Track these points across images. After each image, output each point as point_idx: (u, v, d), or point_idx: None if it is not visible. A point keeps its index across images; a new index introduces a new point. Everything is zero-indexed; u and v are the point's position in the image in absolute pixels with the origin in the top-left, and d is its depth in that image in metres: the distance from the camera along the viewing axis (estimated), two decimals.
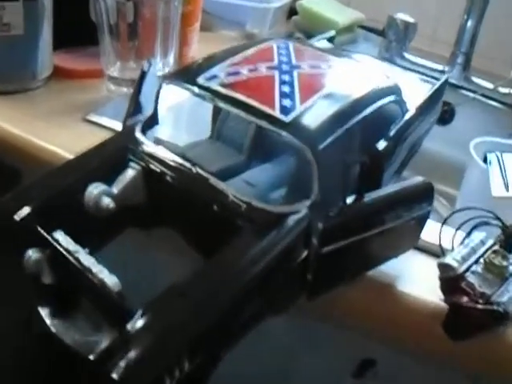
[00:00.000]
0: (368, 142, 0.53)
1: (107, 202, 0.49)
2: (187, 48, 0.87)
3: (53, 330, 0.45)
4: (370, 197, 0.52)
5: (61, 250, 0.45)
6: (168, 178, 0.50)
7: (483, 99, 1.03)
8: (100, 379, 0.39)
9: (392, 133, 0.57)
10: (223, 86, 0.51)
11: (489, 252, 0.57)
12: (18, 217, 0.47)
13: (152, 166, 0.51)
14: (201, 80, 0.52)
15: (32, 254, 0.46)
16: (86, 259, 0.44)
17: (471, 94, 1.03)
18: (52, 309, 0.47)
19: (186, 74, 0.54)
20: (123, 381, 0.37)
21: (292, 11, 1.15)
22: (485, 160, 0.82)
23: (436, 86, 0.71)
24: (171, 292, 0.42)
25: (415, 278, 0.60)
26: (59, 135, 0.72)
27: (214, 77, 0.52)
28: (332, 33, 0.78)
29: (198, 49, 0.90)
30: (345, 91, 0.55)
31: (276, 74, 0.53)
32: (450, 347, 0.55)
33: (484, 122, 1.01)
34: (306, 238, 0.48)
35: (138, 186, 0.52)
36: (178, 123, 0.81)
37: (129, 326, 0.40)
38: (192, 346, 0.40)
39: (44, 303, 0.47)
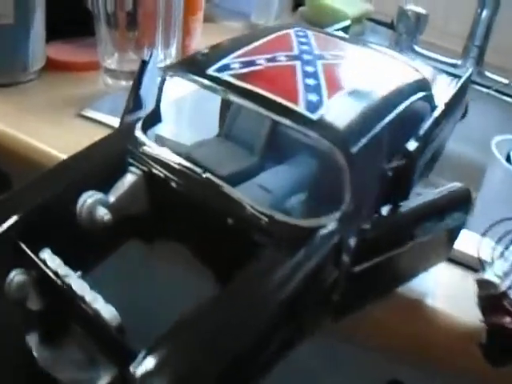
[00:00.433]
0: (396, 143, 0.44)
1: (103, 213, 0.40)
2: (190, 39, 0.78)
3: (41, 363, 0.38)
4: (406, 206, 0.43)
5: (48, 273, 0.36)
6: (173, 184, 0.41)
7: (497, 94, 0.95)
8: None
9: (422, 132, 0.48)
10: (237, 77, 0.42)
11: None
12: None
13: (155, 171, 0.42)
14: (211, 71, 0.43)
15: (15, 275, 0.38)
16: (79, 285, 0.35)
17: (485, 90, 0.94)
18: (40, 338, 0.39)
19: (193, 65, 0.45)
20: None
21: (298, 2, 1.06)
22: (507, 159, 0.73)
23: (462, 80, 0.62)
24: (182, 326, 0.33)
25: (447, 293, 0.52)
26: (51, 132, 0.64)
27: (227, 67, 0.43)
28: (346, 22, 0.69)
29: (202, 40, 0.81)
30: (375, 86, 0.46)
31: (298, 64, 0.44)
32: (486, 371, 0.47)
33: (499, 118, 0.93)
34: (337, 256, 0.39)
35: (138, 194, 0.43)
36: (180, 120, 0.72)
37: (132, 368, 0.31)
38: None
39: (30, 332, 0.39)
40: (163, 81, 0.46)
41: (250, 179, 0.48)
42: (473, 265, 0.52)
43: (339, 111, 0.41)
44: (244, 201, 0.39)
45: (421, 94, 0.49)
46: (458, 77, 0.68)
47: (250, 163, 0.51)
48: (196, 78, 0.43)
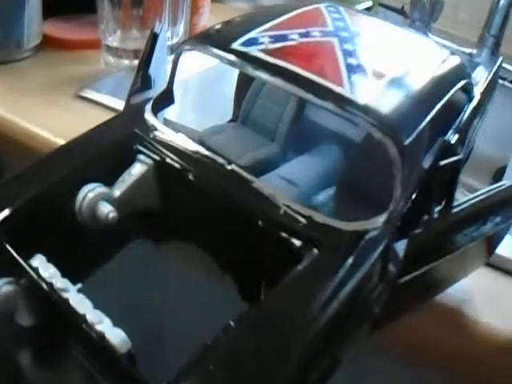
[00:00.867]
0: (435, 136, 0.37)
1: (106, 209, 0.32)
2: (198, 17, 0.70)
3: None
4: (458, 207, 0.36)
5: (42, 286, 0.28)
6: (190, 176, 0.34)
7: None
8: None
9: (462, 123, 0.41)
10: (268, 52, 0.34)
11: None
12: None
13: (168, 160, 0.35)
14: (237, 45, 0.35)
15: (1, 286, 0.30)
16: (78, 301, 0.28)
17: (500, 81, 0.87)
18: (33, 358, 0.32)
19: (215, 38, 0.37)
20: None
21: None
22: None
23: (495, 69, 0.55)
24: (208, 356, 0.25)
25: (489, 301, 0.45)
26: (47, 115, 0.57)
27: (254, 41, 0.35)
28: (369, 3, 0.61)
29: (210, 20, 0.73)
30: (418, 71, 0.38)
31: (335, 41, 0.36)
32: None
33: None
34: (383, 266, 0.32)
35: (148, 187, 0.35)
36: (188, 103, 0.64)
37: None
38: None
39: (21, 351, 0.31)
40: (179, 56, 0.38)
41: (270, 170, 0.41)
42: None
43: (387, 97, 0.33)
44: (278, 198, 0.31)
45: (463, 82, 0.42)
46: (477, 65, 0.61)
47: (270, 152, 0.44)
48: (220, 52, 0.35)
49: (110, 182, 0.34)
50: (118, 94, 0.53)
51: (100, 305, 0.33)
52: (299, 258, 0.31)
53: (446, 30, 0.96)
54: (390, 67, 0.37)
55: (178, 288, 0.42)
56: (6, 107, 0.57)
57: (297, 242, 0.31)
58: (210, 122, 0.49)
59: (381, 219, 0.32)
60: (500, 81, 0.87)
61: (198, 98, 0.63)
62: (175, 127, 0.52)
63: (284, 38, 0.36)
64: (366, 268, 0.31)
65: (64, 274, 0.31)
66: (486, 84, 0.50)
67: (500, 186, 0.41)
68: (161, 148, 0.35)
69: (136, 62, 0.44)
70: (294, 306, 0.28)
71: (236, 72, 0.50)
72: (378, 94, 0.33)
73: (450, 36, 0.95)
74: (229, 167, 0.33)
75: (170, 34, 0.63)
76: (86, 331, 0.27)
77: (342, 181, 0.40)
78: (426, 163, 0.35)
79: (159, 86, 0.42)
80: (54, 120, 0.55)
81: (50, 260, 0.31)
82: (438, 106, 0.37)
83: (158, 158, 0.35)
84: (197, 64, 0.59)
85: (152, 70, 0.42)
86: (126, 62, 0.64)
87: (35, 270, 0.29)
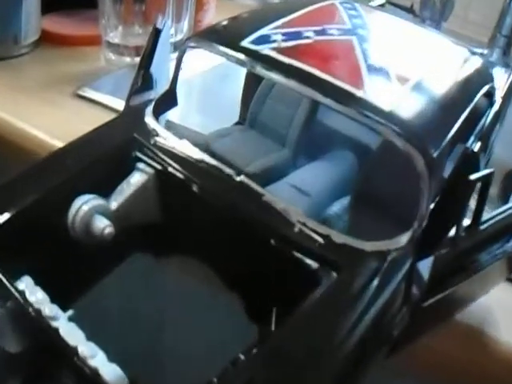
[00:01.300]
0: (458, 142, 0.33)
1: (102, 224, 0.29)
2: (203, 13, 0.66)
3: None
4: (485, 224, 0.32)
5: (29, 311, 0.25)
6: (195, 187, 0.30)
7: None
8: None
9: (484, 129, 0.37)
10: (281, 51, 0.30)
11: None
12: None
13: (170, 169, 0.31)
14: (246, 42, 0.31)
15: None
16: (69, 331, 0.24)
17: None
18: None
19: (223, 35, 0.33)
20: None
21: None
22: None
23: None
24: None
25: (509, 318, 0.41)
26: (44, 115, 0.53)
27: (266, 39, 0.32)
28: (382, 0, 0.57)
29: (215, 17, 0.69)
30: (443, 76, 0.35)
31: (354, 40, 0.33)
32: None
33: None
34: (407, 289, 0.28)
35: (148, 199, 0.31)
36: (192, 103, 0.60)
37: None
38: None
39: (7, 380, 0.28)
40: (183, 54, 0.34)
41: (280, 178, 0.37)
42: None
43: (413, 104, 0.30)
44: (292, 214, 0.28)
45: (487, 87, 0.38)
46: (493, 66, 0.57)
47: (280, 158, 0.40)
48: (228, 50, 0.31)
49: (106, 192, 0.31)
50: (119, 93, 0.49)
51: (97, 322, 0.30)
52: (315, 281, 0.27)
53: (456, 29, 0.93)
54: (412, 69, 0.33)
55: (179, 304, 0.38)
56: (2, 106, 0.53)
57: (313, 264, 0.27)
58: (215, 124, 0.46)
59: (405, 238, 0.28)
60: None
61: (202, 98, 0.59)
62: (178, 130, 0.48)
63: (298, 35, 0.32)
64: (388, 292, 0.27)
65: (55, 295, 0.27)
66: (507, 87, 0.46)
67: None
68: (162, 155, 0.31)
69: (138, 59, 0.40)
70: (313, 338, 0.24)
71: (243, 71, 0.46)
72: (403, 100, 0.29)
73: (460, 36, 0.91)
74: (237, 178, 0.30)
75: (173, 31, 0.59)
76: (78, 366, 0.23)
77: (358, 191, 0.36)
78: (447, 172, 0.31)
79: (161, 86, 0.39)
80: (51, 120, 0.51)
81: (39, 278, 0.28)
82: (465, 113, 0.33)
83: (159, 166, 0.31)
84: (202, 62, 0.55)
85: (154, 69, 0.39)
86: (128, 59, 0.60)
87: (21, 293, 0.26)
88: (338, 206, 0.37)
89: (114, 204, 0.30)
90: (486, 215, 0.34)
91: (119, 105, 0.51)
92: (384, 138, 0.29)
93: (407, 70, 0.32)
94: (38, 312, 0.25)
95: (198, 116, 0.55)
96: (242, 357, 0.24)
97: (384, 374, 0.40)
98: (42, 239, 0.29)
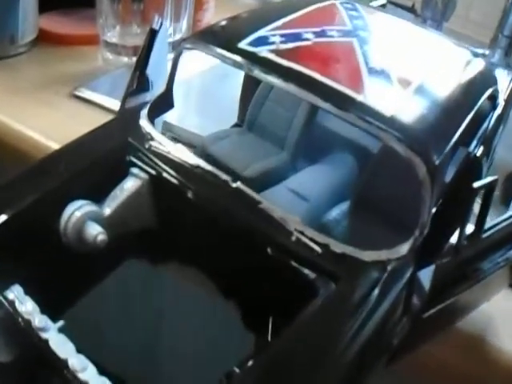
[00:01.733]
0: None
1: (95, 231, 0.28)
2: (202, 13, 0.65)
3: None
4: (488, 232, 0.31)
5: (19, 323, 0.24)
6: (190, 194, 0.29)
7: None
8: None
9: (487, 133, 0.36)
10: (279, 53, 0.29)
11: None
12: None
13: (165, 175, 0.30)
14: (244, 44, 0.30)
15: None
16: (59, 343, 0.24)
17: None
18: None
19: (219, 36, 0.32)
20: None
21: None
22: None
23: None
24: None
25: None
26: (40, 116, 0.53)
27: (264, 40, 0.31)
28: (383, 0, 0.56)
29: (215, 16, 0.68)
30: (446, 79, 0.33)
31: (355, 41, 0.32)
32: None
33: None
34: (407, 299, 0.27)
35: (142, 205, 0.30)
36: (190, 105, 0.59)
37: None
38: None
39: None
40: (179, 56, 0.33)
41: (279, 182, 0.36)
42: None
43: (415, 109, 0.29)
44: (289, 223, 0.27)
45: (491, 90, 0.37)
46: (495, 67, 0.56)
47: (279, 162, 0.39)
48: (224, 52, 0.30)
49: (99, 197, 0.30)
50: (116, 93, 0.48)
51: (90, 330, 0.29)
52: (313, 291, 0.26)
53: (458, 29, 0.92)
54: (414, 72, 0.32)
55: (175, 311, 0.37)
56: None
57: (310, 274, 0.26)
58: (213, 125, 0.45)
59: (405, 247, 0.27)
60: None
61: (200, 99, 0.58)
62: (176, 131, 0.48)
63: (297, 37, 0.31)
64: (388, 303, 0.26)
65: (47, 302, 0.26)
66: (510, 89, 0.45)
67: None
68: (157, 160, 0.30)
69: (136, 59, 0.39)
70: (312, 349, 0.23)
71: (242, 72, 0.45)
72: (404, 105, 0.28)
73: (461, 36, 0.90)
74: (233, 185, 0.29)
75: (172, 31, 0.58)
76: (68, 379, 0.23)
77: (358, 196, 0.35)
78: (448, 176, 0.30)
79: (159, 88, 0.38)
80: (47, 122, 0.50)
81: (30, 286, 0.27)
82: (468, 118, 0.32)
83: (153, 171, 0.30)
84: (200, 62, 0.54)
85: (150, 70, 0.38)
86: (125, 59, 0.59)
87: (11, 303, 0.25)
88: (337, 211, 0.36)
89: (107, 210, 0.29)
90: (488, 221, 0.34)
91: (116, 105, 0.50)
92: (384, 143, 0.28)
93: (409, 73, 0.31)
94: (28, 323, 0.25)
95: (196, 117, 0.54)
96: (237, 370, 0.24)
97: (385, 381, 0.39)
98: (33, 245, 0.28)
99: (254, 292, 0.29)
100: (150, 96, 0.37)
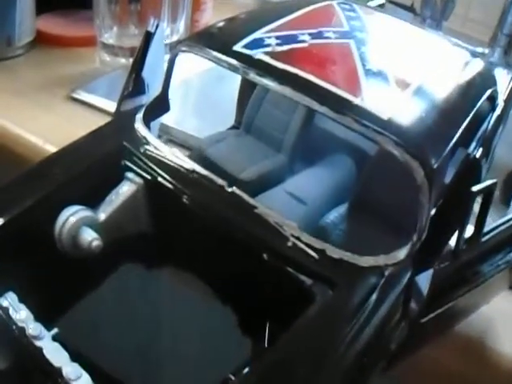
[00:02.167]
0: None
1: (90, 237, 0.27)
2: (200, 14, 0.64)
3: None
4: (487, 236, 0.31)
5: (13, 330, 0.23)
6: (185, 199, 0.29)
7: None
8: None
9: (486, 134, 0.36)
10: (275, 56, 0.29)
11: None
12: None
13: (160, 179, 0.30)
14: (239, 47, 0.30)
15: None
16: (54, 351, 0.23)
17: None
18: None
19: (214, 38, 0.32)
20: None
21: None
22: None
23: None
24: None
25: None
26: (36, 118, 0.52)
27: (259, 43, 0.30)
28: (382, 0, 0.55)
29: (213, 17, 0.67)
30: (444, 81, 0.33)
31: (351, 43, 0.31)
32: None
33: None
34: (405, 304, 0.27)
35: (137, 210, 0.30)
36: (187, 107, 0.59)
37: None
38: None
39: None
40: (174, 58, 0.33)
41: (276, 184, 0.36)
42: None
43: (413, 112, 0.28)
44: (286, 228, 0.26)
45: (489, 91, 0.37)
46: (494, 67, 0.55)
47: (276, 164, 0.39)
48: (219, 55, 0.29)
49: (95, 202, 0.30)
50: (113, 95, 0.48)
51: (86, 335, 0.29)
52: (309, 297, 0.26)
53: (457, 28, 0.91)
54: (412, 74, 0.31)
55: (171, 316, 0.37)
56: None
57: (307, 280, 0.26)
58: (210, 127, 0.44)
59: (403, 253, 0.27)
60: None
61: (198, 100, 0.58)
62: (173, 133, 0.47)
63: (293, 39, 0.31)
64: (385, 309, 0.26)
65: (41, 308, 0.26)
66: (509, 90, 0.45)
67: None
68: (152, 165, 0.30)
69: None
70: (309, 356, 0.23)
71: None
72: (402, 108, 0.28)
73: (460, 35, 0.89)
74: (229, 190, 0.28)
75: (169, 32, 0.57)
76: None
77: (356, 199, 0.35)
78: (447, 178, 0.30)
79: (155, 90, 0.37)
80: (44, 125, 0.50)
81: (25, 291, 0.26)
82: (467, 120, 0.32)
83: (148, 176, 0.30)
84: (197, 64, 0.54)
85: (146, 73, 0.37)
86: (123, 60, 0.59)
87: (5, 310, 0.25)
88: (334, 214, 0.35)
89: (102, 215, 0.29)
90: (488, 222, 0.33)
91: (113, 108, 0.50)
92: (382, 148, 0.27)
93: (407, 75, 0.31)
94: (22, 331, 0.24)
95: (193, 118, 0.54)
96: (233, 377, 0.23)
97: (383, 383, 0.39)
98: (28, 251, 0.28)
99: (250, 298, 0.28)
100: (146, 99, 0.37)
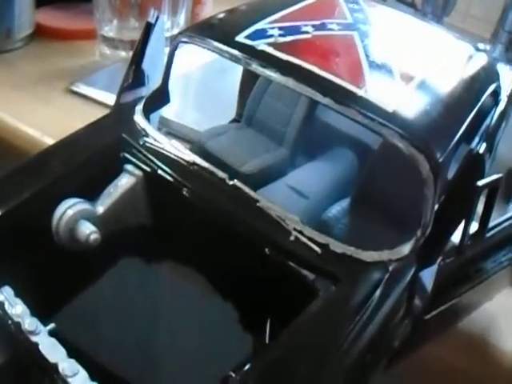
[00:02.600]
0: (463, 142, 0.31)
1: (88, 230, 0.27)
2: (201, 6, 0.63)
3: None
4: (492, 232, 0.30)
5: (9, 325, 0.23)
6: (185, 191, 0.28)
7: None
8: None
9: (490, 129, 0.35)
10: (278, 47, 0.28)
11: None
12: None
13: (160, 172, 0.29)
14: (241, 37, 0.29)
15: None
16: (49, 347, 0.23)
17: None
18: None
19: (216, 29, 0.31)
20: None
21: None
22: None
23: None
24: None
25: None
26: (37, 112, 0.52)
27: (262, 33, 0.29)
28: None
29: (213, 10, 0.66)
30: (448, 75, 0.32)
31: (355, 35, 0.30)
32: None
33: None
34: (409, 300, 0.26)
35: (136, 202, 0.29)
36: (188, 99, 0.58)
37: None
38: None
39: None
40: (174, 50, 0.32)
41: (278, 178, 0.35)
42: None
43: (418, 104, 0.28)
44: (288, 222, 0.26)
45: (493, 87, 0.36)
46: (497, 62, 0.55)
47: (278, 158, 0.38)
48: (221, 45, 0.29)
49: (93, 195, 0.29)
50: (113, 88, 0.47)
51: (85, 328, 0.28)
52: (312, 292, 0.25)
53: (458, 24, 0.90)
54: (417, 67, 0.31)
55: (171, 311, 0.36)
56: None
57: (309, 275, 0.25)
58: (211, 120, 0.44)
59: (407, 248, 0.26)
60: None
61: (198, 93, 0.57)
62: (173, 126, 0.46)
63: (296, 30, 0.30)
64: (389, 305, 0.25)
65: (39, 302, 0.25)
66: None
67: None
68: (151, 157, 0.29)
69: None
70: (312, 352, 0.22)
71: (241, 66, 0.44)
72: (407, 100, 0.27)
73: (461, 31, 0.89)
74: (230, 183, 0.27)
75: (169, 25, 0.57)
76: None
77: (358, 193, 0.34)
78: (450, 173, 0.29)
79: (155, 83, 0.37)
80: (43, 118, 0.49)
81: (22, 285, 0.26)
82: (472, 114, 0.31)
83: (148, 168, 0.29)
84: (198, 56, 0.53)
85: (146, 65, 0.36)
86: (123, 53, 0.58)
87: (0, 304, 0.24)
88: (336, 208, 0.35)
89: (100, 208, 0.28)
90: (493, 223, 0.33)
91: (113, 101, 0.49)
92: (386, 140, 0.27)
93: (411, 68, 0.30)
94: (18, 325, 0.24)
95: (194, 111, 0.53)
96: (233, 374, 0.23)
97: (386, 382, 0.38)
98: (25, 244, 0.27)
99: (251, 293, 0.28)
100: (146, 91, 0.36)
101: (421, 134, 0.26)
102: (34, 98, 0.52)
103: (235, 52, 0.28)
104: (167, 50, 0.38)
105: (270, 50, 0.28)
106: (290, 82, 0.27)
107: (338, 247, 0.25)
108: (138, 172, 0.29)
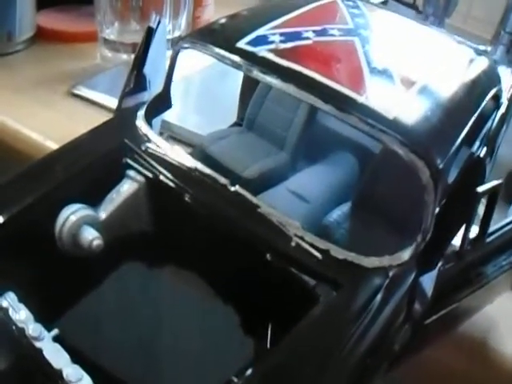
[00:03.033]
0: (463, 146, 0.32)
1: (90, 236, 0.27)
2: (202, 10, 0.64)
3: None
4: (492, 236, 0.30)
5: (13, 330, 0.23)
6: (187, 197, 0.28)
7: None
8: None
9: (490, 133, 0.35)
10: (279, 53, 0.29)
11: None
12: None
13: (162, 178, 0.29)
14: (242, 44, 0.29)
15: None
16: (54, 352, 0.23)
17: None
18: None
19: (217, 35, 0.31)
20: None
21: None
22: None
23: None
24: None
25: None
26: (38, 115, 0.52)
27: (263, 40, 0.30)
28: None
29: (215, 13, 0.66)
30: (449, 79, 0.33)
31: (356, 41, 0.31)
32: None
33: None
34: (409, 305, 0.26)
35: (139, 208, 0.29)
36: (189, 103, 0.58)
37: None
38: None
39: None
40: (176, 55, 0.32)
41: (279, 182, 0.36)
42: None
43: (418, 111, 0.28)
44: (289, 228, 0.26)
45: (494, 91, 0.36)
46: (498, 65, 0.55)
47: (279, 162, 0.38)
48: (222, 52, 0.29)
49: (95, 200, 0.29)
50: (114, 91, 0.47)
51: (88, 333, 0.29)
52: (312, 298, 0.26)
53: (459, 26, 0.90)
54: (418, 72, 0.31)
55: (172, 316, 0.36)
56: None
57: (310, 281, 0.25)
58: (212, 124, 0.44)
59: (407, 253, 0.26)
60: None
61: (200, 97, 0.57)
62: (175, 130, 0.47)
63: (297, 36, 0.30)
64: (389, 311, 0.26)
65: (42, 307, 0.25)
66: None
67: None
68: (154, 163, 0.29)
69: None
70: (313, 358, 0.23)
71: None
72: (407, 106, 0.27)
73: (462, 33, 0.89)
74: (232, 188, 0.28)
75: (171, 28, 0.57)
76: None
77: (359, 198, 0.34)
78: (451, 177, 0.29)
79: (156, 87, 0.37)
80: (45, 120, 0.49)
81: (24, 292, 0.26)
82: (472, 119, 0.31)
83: (150, 174, 0.29)
84: (199, 60, 0.53)
85: (148, 69, 0.37)
86: (124, 56, 0.58)
87: (4, 310, 0.24)
88: (337, 213, 0.35)
89: (103, 214, 0.28)
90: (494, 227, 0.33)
91: (114, 104, 0.49)
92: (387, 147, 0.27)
93: (412, 73, 0.30)
94: (22, 331, 0.24)
95: (195, 115, 0.53)
96: (235, 379, 0.23)
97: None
98: (28, 250, 0.28)
99: (252, 298, 0.28)
100: (148, 95, 0.36)
101: (421, 141, 0.26)
102: (35, 101, 0.53)
103: (236, 58, 0.29)
104: (169, 53, 0.38)
105: (271, 56, 0.28)
106: (291, 88, 0.27)
107: (338, 253, 0.25)
108: (140, 178, 0.29)
